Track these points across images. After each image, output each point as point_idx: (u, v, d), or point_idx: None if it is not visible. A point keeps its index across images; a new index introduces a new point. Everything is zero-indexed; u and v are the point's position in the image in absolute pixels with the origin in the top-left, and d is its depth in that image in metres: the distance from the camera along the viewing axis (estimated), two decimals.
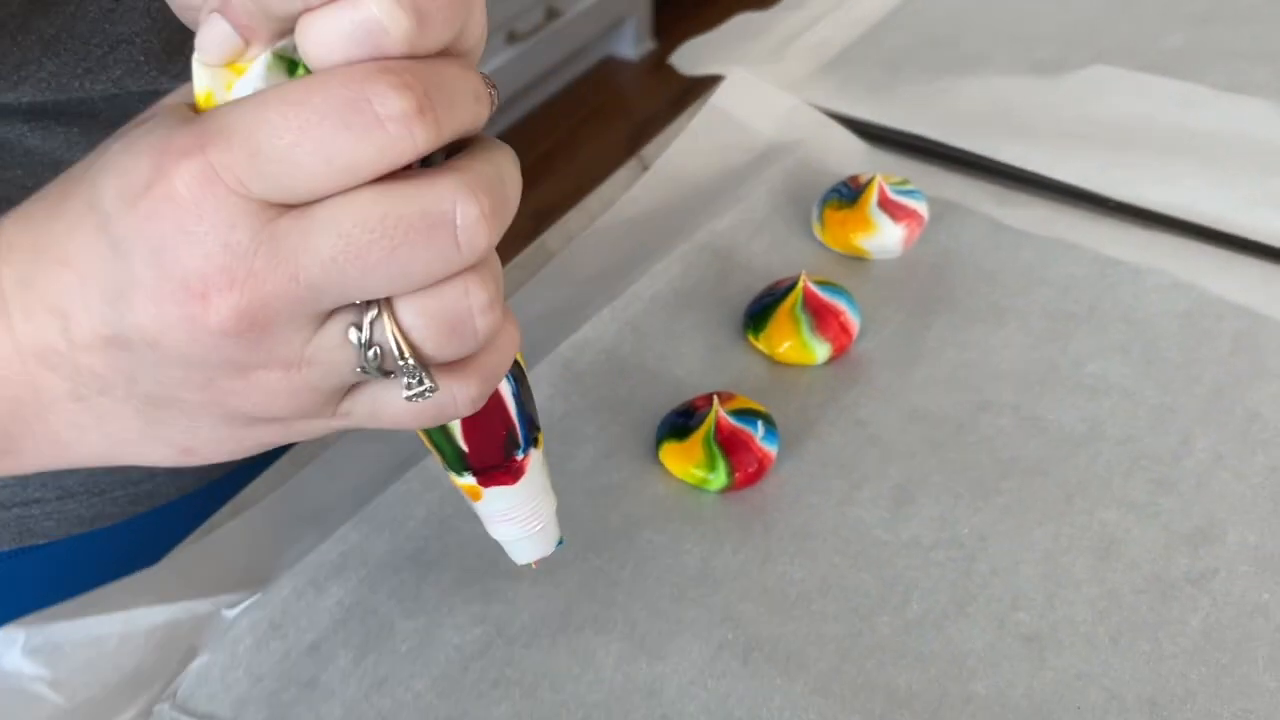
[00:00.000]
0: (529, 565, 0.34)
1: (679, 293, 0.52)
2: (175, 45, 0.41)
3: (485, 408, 0.29)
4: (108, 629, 0.37)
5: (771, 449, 0.44)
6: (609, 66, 2.30)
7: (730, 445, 0.43)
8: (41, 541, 0.45)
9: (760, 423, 0.44)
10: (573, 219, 0.58)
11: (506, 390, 0.30)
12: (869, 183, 0.54)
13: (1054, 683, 0.37)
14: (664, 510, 0.43)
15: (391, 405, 0.27)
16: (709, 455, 0.43)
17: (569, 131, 2.12)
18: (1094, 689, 0.37)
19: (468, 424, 0.30)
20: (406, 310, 0.25)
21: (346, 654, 0.38)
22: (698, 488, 0.44)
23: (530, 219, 0.58)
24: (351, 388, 0.27)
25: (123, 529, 0.48)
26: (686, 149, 0.60)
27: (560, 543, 0.34)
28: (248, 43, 0.24)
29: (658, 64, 2.34)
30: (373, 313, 0.24)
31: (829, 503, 0.43)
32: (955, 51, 0.67)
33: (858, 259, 0.54)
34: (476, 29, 0.25)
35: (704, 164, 0.59)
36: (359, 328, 0.25)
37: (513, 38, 1.94)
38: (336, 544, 0.41)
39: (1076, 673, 0.38)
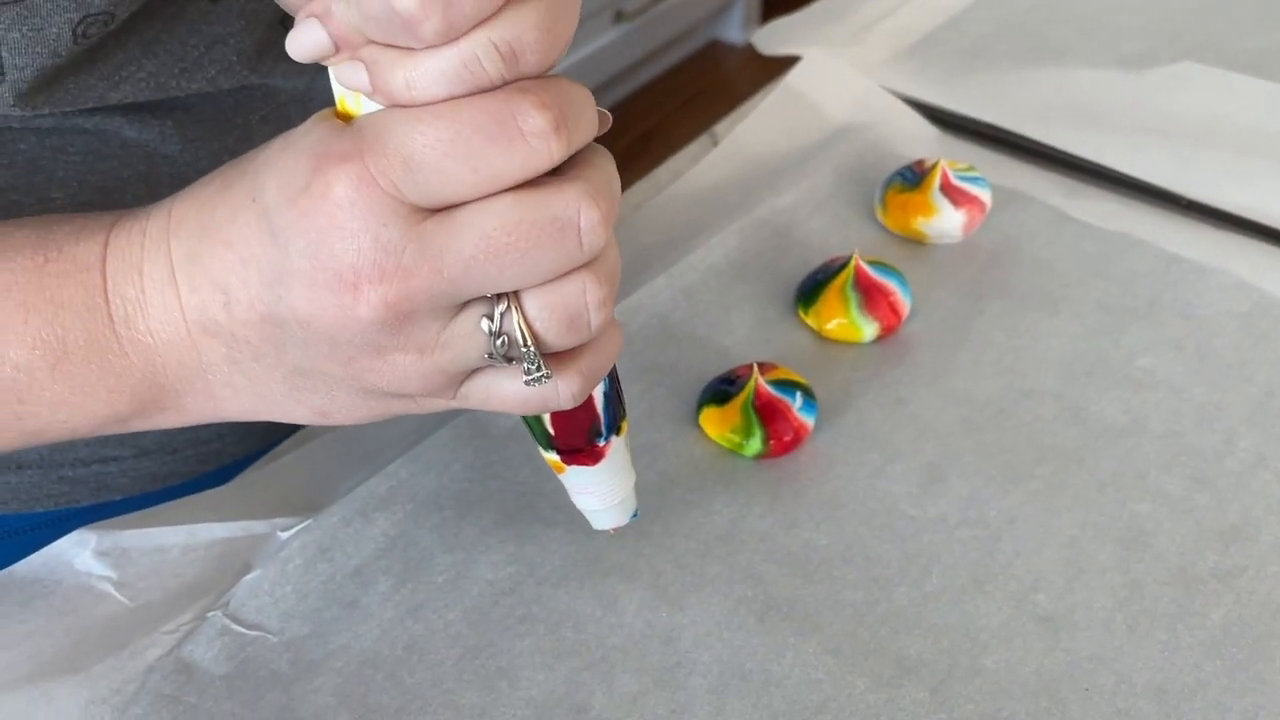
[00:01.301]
0: (606, 530, 0.37)
1: (734, 265, 0.53)
2: (265, 44, 0.43)
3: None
4: (171, 540, 0.41)
5: (809, 420, 0.45)
6: (715, 50, 2.30)
7: (767, 413, 0.45)
8: (117, 497, 0.48)
9: (799, 393, 0.45)
10: (640, 189, 0.60)
11: (598, 387, 0.33)
12: (933, 167, 0.54)
13: (1065, 663, 0.38)
14: (699, 471, 0.45)
15: (503, 391, 0.30)
16: (746, 421, 0.45)
17: (670, 113, 2.14)
18: (1105, 672, 0.38)
19: (556, 416, 0.33)
20: (532, 303, 0.28)
21: (387, 580, 0.40)
22: (733, 452, 0.45)
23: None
24: (471, 373, 0.30)
25: (190, 486, 0.51)
26: (757, 126, 0.61)
27: (635, 515, 0.37)
28: (338, 49, 0.26)
29: None
30: (503, 305, 0.28)
31: (860, 475, 0.44)
32: (1038, 42, 0.66)
33: (917, 242, 0.55)
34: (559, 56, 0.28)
35: (773, 141, 0.60)
36: (490, 318, 0.28)
37: (620, 17, 1.95)
38: (386, 479, 0.43)
39: (1089, 655, 0.38)
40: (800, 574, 0.41)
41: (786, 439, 0.45)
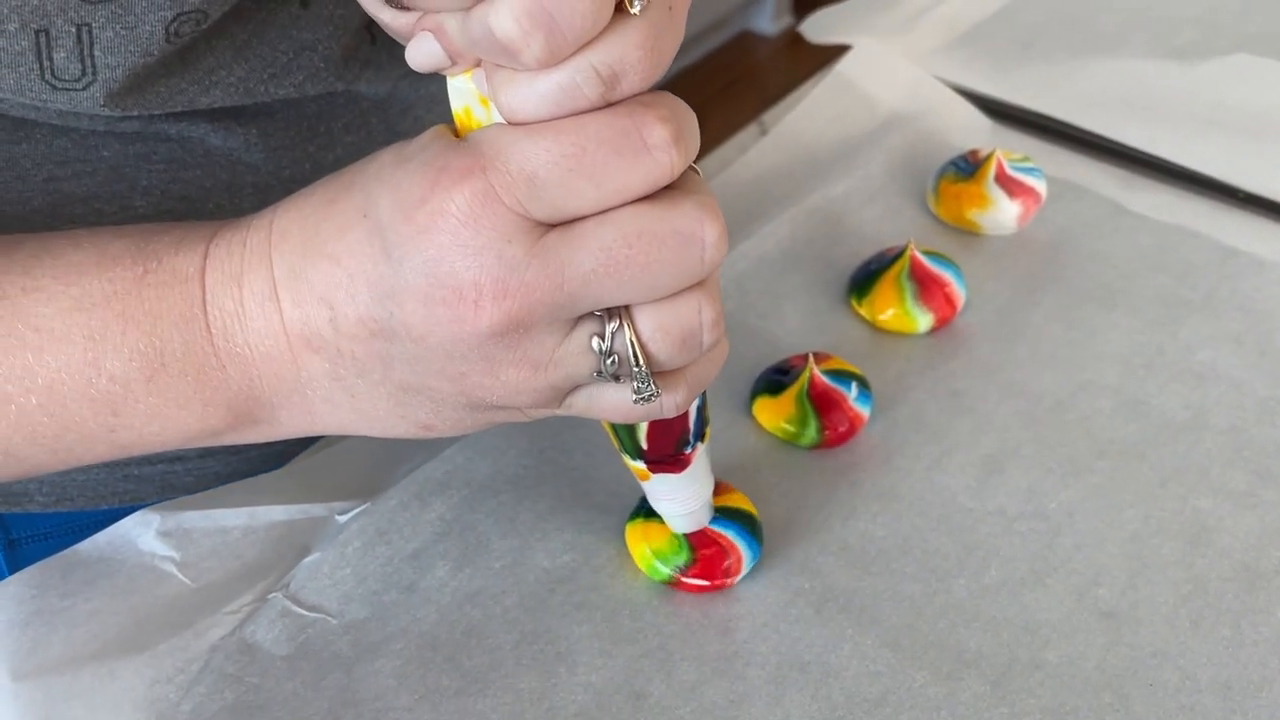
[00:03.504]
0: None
1: (786, 254, 0.53)
2: (351, 51, 0.43)
3: (673, 418, 0.32)
4: (233, 521, 0.41)
5: (864, 410, 0.45)
6: (746, 40, 2.30)
7: (822, 404, 0.44)
8: (182, 496, 0.48)
9: (854, 384, 0.45)
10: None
11: None
12: (988, 158, 0.53)
13: (1128, 658, 0.38)
14: (753, 462, 0.45)
15: (608, 402, 0.30)
16: (801, 412, 0.45)
17: (701, 103, 2.12)
18: (1169, 668, 0.37)
19: (653, 426, 0.33)
20: (645, 322, 0.28)
21: (445, 565, 0.40)
22: (788, 443, 0.45)
23: None
24: (583, 386, 0.30)
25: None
26: (807, 115, 0.60)
27: (714, 520, 0.38)
28: (454, 62, 0.26)
29: (795, 40, 2.32)
30: (615, 324, 0.28)
31: (917, 467, 0.44)
32: (1091, 32, 0.65)
33: (970, 233, 0.54)
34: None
35: (823, 131, 0.60)
36: (602, 337, 0.28)
37: None
38: (443, 464, 0.43)
39: (1152, 650, 0.38)
40: (857, 566, 0.41)
41: (842, 430, 0.45)
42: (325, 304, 0.28)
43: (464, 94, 0.28)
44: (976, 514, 0.42)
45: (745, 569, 0.40)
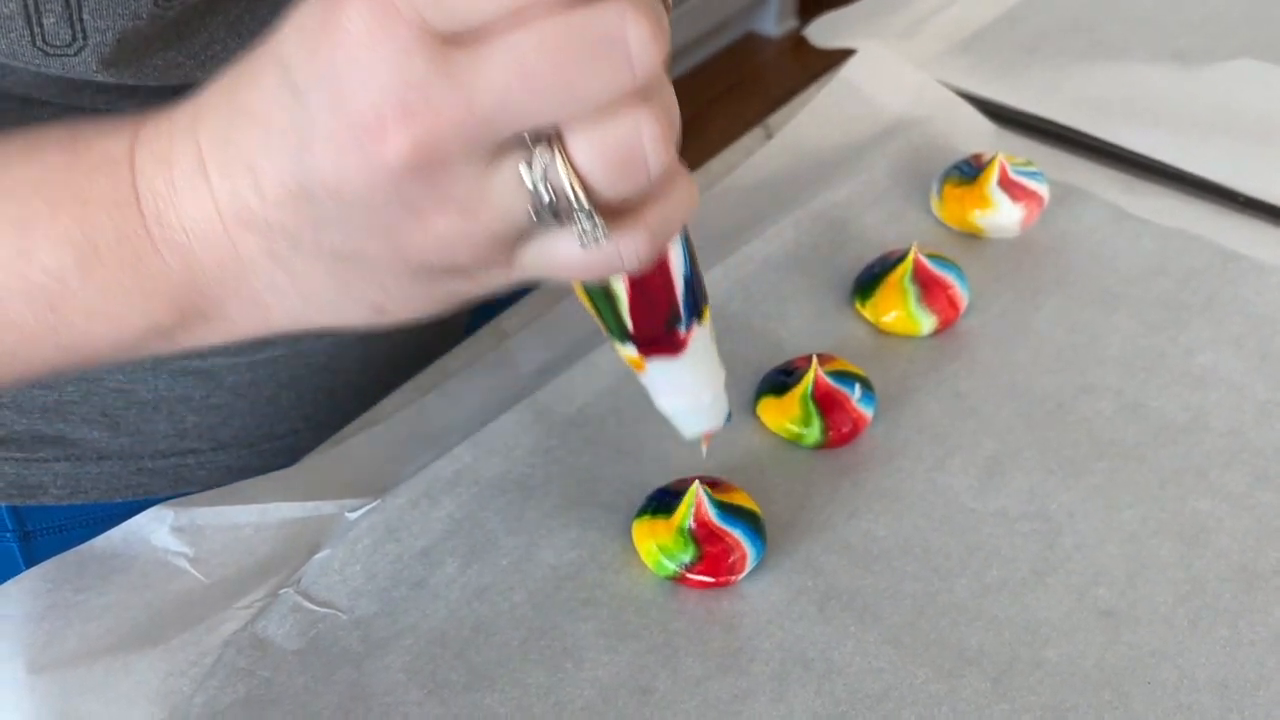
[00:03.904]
0: (699, 441, 0.34)
1: (791, 257, 0.53)
2: None
3: (651, 277, 0.29)
4: (244, 518, 0.42)
5: (867, 411, 0.46)
6: (750, 42, 2.30)
7: (826, 404, 0.45)
8: (194, 490, 0.48)
9: (858, 385, 0.46)
10: (694, 179, 0.60)
11: (675, 261, 0.30)
12: (991, 161, 0.54)
13: (1127, 657, 0.38)
14: (757, 462, 0.45)
15: (563, 255, 0.26)
16: (805, 412, 0.45)
17: (705, 105, 2.14)
18: (1167, 666, 0.38)
19: (634, 294, 0.30)
20: (578, 143, 0.24)
21: (453, 562, 0.41)
22: (792, 443, 0.46)
23: None
24: (526, 238, 0.26)
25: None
26: (812, 119, 0.61)
27: (729, 418, 0.34)
28: None
29: (799, 42, 2.33)
30: (542, 147, 0.24)
31: (920, 468, 0.44)
32: (1094, 37, 0.66)
33: (974, 237, 0.55)
34: None
35: (828, 135, 0.60)
36: (530, 165, 0.24)
37: None
38: (451, 462, 0.44)
39: (1151, 650, 0.38)
40: (860, 565, 0.41)
41: (845, 430, 0.45)
42: (248, 169, 0.26)
43: None
44: (978, 514, 0.43)
45: (749, 566, 0.40)
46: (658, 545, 0.41)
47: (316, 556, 0.41)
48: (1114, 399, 0.47)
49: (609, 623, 0.40)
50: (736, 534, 0.40)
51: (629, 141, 0.24)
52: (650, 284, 0.30)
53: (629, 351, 0.32)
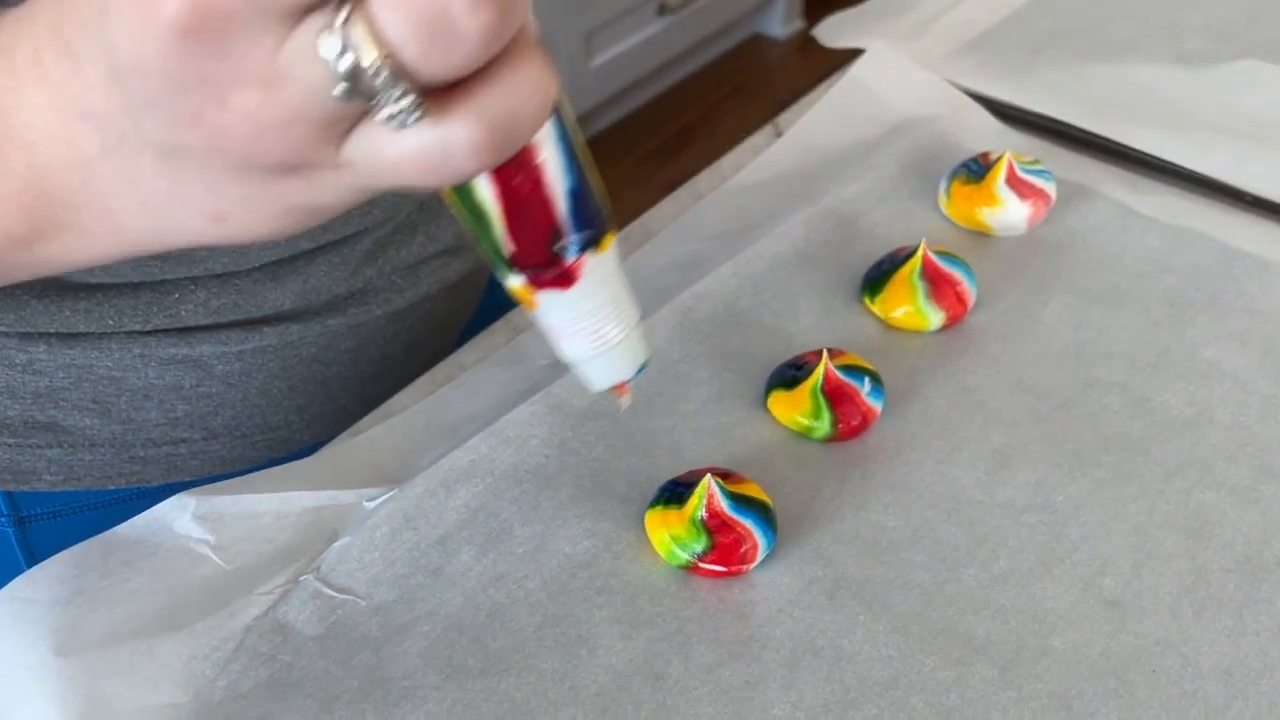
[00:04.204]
0: (610, 394, 0.30)
1: (800, 254, 0.54)
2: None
3: (526, 193, 0.26)
4: (264, 506, 0.42)
5: (876, 404, 0.46)
6: (757, 44, 2.31)
7: (836, 397, 0.46)
8: (187, 479, 0.49)
9: (867, 379, 0.46)
10: (704, 179, 0.61)
11: (551, 168, 0.26)
12: (998, 160, 0.55)
13: (1132, 646, 0.39)
14: (767, 454, 0.46)
15: (389, 150, 0.23)
16: (815, 405, 0.46)
17: (711, 106, 2.15)
18: (1171, 655, 0.38)
19: (506, 203, 0.26)
20: (380, 5, 0.21)
21: (470, 550, 0.42)
22: (802, 435, 0.46)
23: (665, 191, 0.61)
24: (348, 131, 0.24)
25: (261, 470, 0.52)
26: (821, 118, 0.62)
27: (643, 367, 0.31)
28: None
29: (805, 43, 2.33)
30: (344, 12, 0.21)
31: (928, 460, 0.45)
32: (1100, 38, 0.67)
33: (981, 234, 0.55)
34: None
35: (837, 133, 0.61)
36: (330, 29, 0.22)
37: (663, 10, 1.96)
38: (467, 453, 0.44)
39: (1155, 639, 0.39)
40: (869, 555, 0.42)
41: (855, 423, 0.46)
42: (69, 53, 0.25)
43: None
44: (985, 506, 0.43)
45: (760, 556, 0.41)
46: (670, 535, 0.41)
47: (335, 544, 0.41)
48: (1120, 394, 0.47)
49: (623, 610, 0.40)
50: (748, 524, 0.41)
51: (436, 2, 0.21)
52: (522, 194, 0.26)
53: (514, 282, 0.28)
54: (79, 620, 0.38)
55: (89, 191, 0.27)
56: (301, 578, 0.40)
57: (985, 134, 0.61)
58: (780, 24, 2.28)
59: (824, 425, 0.46)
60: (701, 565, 0.41)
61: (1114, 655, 0.38)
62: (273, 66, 0.22)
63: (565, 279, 0.28)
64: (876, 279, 0.52)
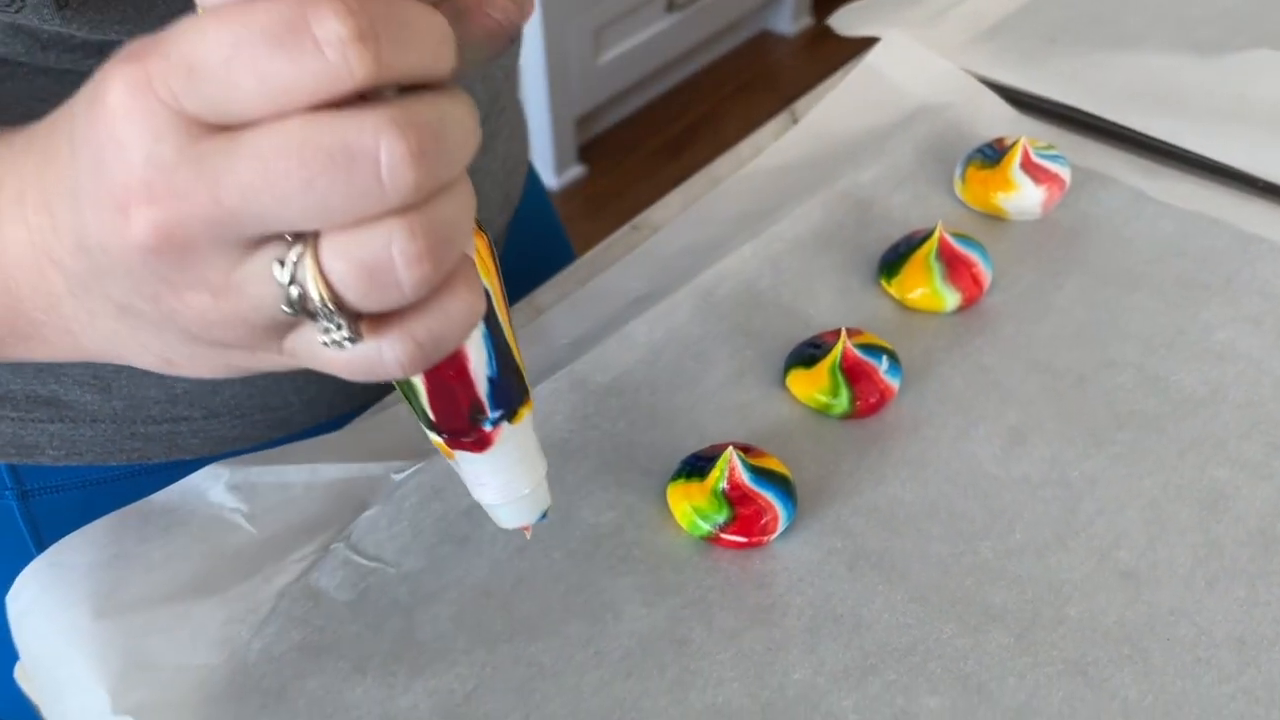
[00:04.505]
0: (520, 530, 0.34)
1: (818, 236, 0.55)
2: None
3: (448, 374, 0.29)
4: (295, 477, 0.43)
5: (894, 382, 0.47)
6: (765, 40, 2.32)
7: (854, 375, 0.46)
8: (189, 457, 0.49)
9: (885, 357, 0.47)
10: (722, 164, 0.61)
11: (477, 358, 0.29)
12: (1014, 144, 0.55)
13: (1146, 615, 0.39)
14: (786, 431, 0.47)
15: (323, 351, 0.26)
16: (834, 383, 0.47)
17: (719, 103, 2.15)
18: (1185, 624, 0.39)
19: (430, 388, 0.29)
20: (329, 251, 0.23)
21: None
22: (820, 413, 0.47)
23: (671, 187, 0.61)
24: (293, 326, 0.26)
25: (263, 449, 0.53)
26: (837, 105, 0.62)
27: (544, 515, 0.34)
28: None
29: (813, 40, 2.34)
30: (298, 249, 0.24)
31: (945, 436, 0.46)
32: (1114, 28, 0.67)
33: (996, 218, 0.56)
34: None
35: (853, 120, 0.61)
36: (283, 264, 0.24)
37: (672, 6, 1.97)
38: None
39: (1169, 608, 0.40)
40: (888, 528, 0.43)
41: (873, 400, 0.47)
42: (48, 210, 0.27)
43: None
44: (1002, 481, 0.44)
45: (781, 527, 0.42)
46: (692, 506, 0.42)
47: (365, 514, 0.42)
48: (1134, 373, 0.48)
49: (646, 578, 0.41)
50: (769, 496, 0.42)
51: (377, 256, 0.23)
52: (447, 382, 0.29)
53: (435, 438, 0.31)
54: (117, 584, 0.39)
55: (53, 317, 0.29)
56: (332, 546, 0.41)
57: (1000, 121, 0.61)
58: (789, 20, 2.28)
59: (842, 402, 0.46)
60: (723, 536, 0.42)
61: (1128, 624, 0.39)
62: (226, 281, 0.24)
63: (480, 444, 0.30)
64: (893, 261, 0.52)
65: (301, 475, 0.43)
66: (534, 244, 0.66)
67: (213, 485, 0.42)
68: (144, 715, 0.36)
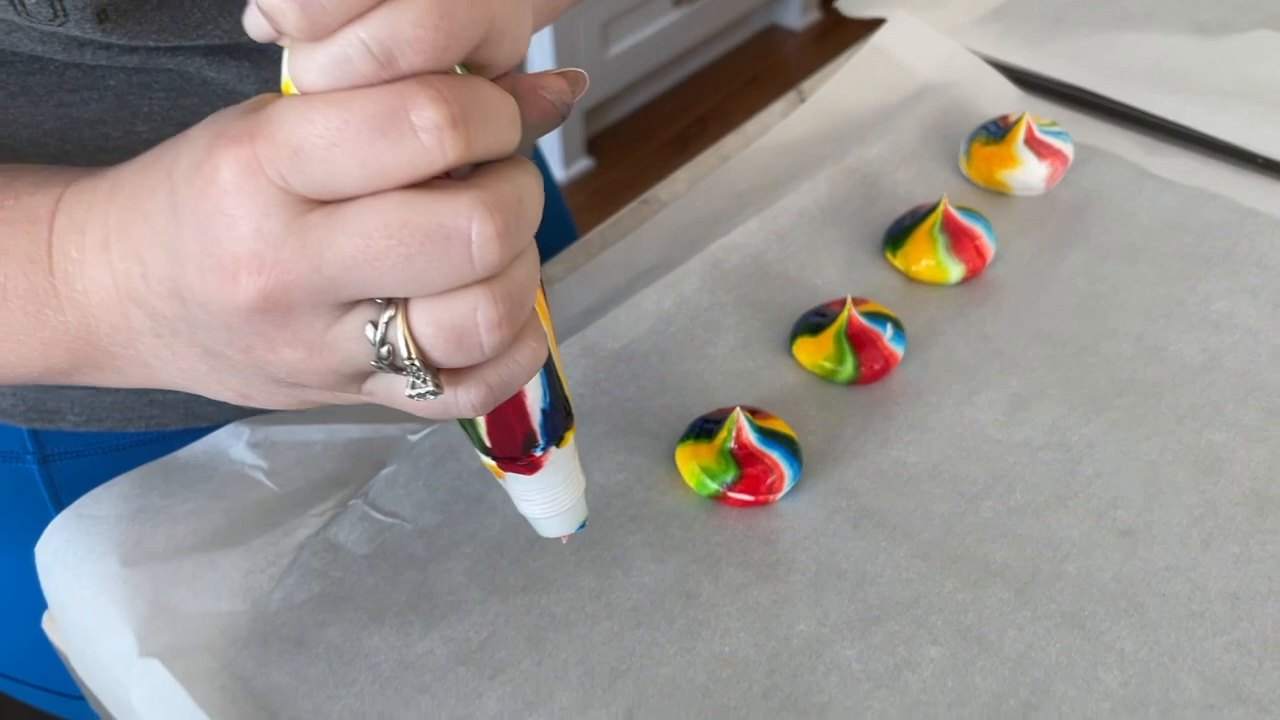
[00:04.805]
0: (559, 539, 0.37)
1: (825, 210, 0.56)
2: None
3: (507, 410, 0.31)
4: (315, 436, 0.44)
5: (898, 349, 0.48)
6: (773, 34, 2.32)
7: (859, 341, 0.48)
8: (206, 424, 0.50)
9: (889, 325, 0.48)
10: (730, 142, 0.62)
11: (534, 394, 0.32)
12: (1017, 121, 0.56)
13: (1142, 571, 0.40)
14: (793, 396, 0.48)
15: (403, 396, 0.28)
16: (839, 350, 0.48)
17: (727, 97, 2.16)
18: (1180, 580, 0.40)
19: (490, 420, 0.32)
20: (419, 315, 0.26)
21: None
22: (826, 379, 0.48)
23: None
24: (370, 375, 0.29)
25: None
26: (844, 84, 0.63)
27: (582, 525, 0.37)
28: (280, 33, 0.25)
29: (821, 34, 2.35)
30: (389, 313, 0.26)
31: (948, 402, 0.47)
32: (1118, 8, 0.68)
33: (1000, 194, 0.57)
34: (503, 53, 0.27)
35: (859, 98, 0.63)
36: (375, 325, 0.26)
37: (680, 0, 1.98)
38: None
39: (1165, 565, 0.41)
40: (891, 489, 0.44)
41: (877, 366, 0.48)
42: (139, 260, 0.29)
43: (286, 61, 0.26)
44: (1003, 444, 0.45)
45: (787, 487, 0.43)
46: (700, 466, 0.43)
47: (382, 472, 0.43)
48: (1134, 342, 0.49)
49: (655, 535, 0.42)
50: (775, 456, 0.43)
51: (464, 323, 0.26)
52: (505, 416, 0.32)
53: (488, 461, 0.34)
54: (143, 535, 0.40)
55: (131, 351, 0.31)
56: (351, 502, 0.43)
57: (1005, 100, 0.62)
58: (797, 15, 2.29)
59: (847, 369, 0.47)
60: (730, 495, 0.43)
61: (1125, 579, 0.40)
62: (321, 339, 0.27)
63: (531, 468, 0.34)
64: (898, 234, 0.53)
65: (320, 434, 0.44)
66: (542, 234, 0.67)
67: (234, 443, 0.43)
68: (169, 658, 0.37)
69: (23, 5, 0.34)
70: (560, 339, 0.50)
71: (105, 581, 0.39)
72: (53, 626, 0.42)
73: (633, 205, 0.59)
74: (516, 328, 0.27)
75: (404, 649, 0.38)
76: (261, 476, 0.43)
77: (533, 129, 0.29)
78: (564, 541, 0.37)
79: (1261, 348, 0.48)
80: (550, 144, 1.92)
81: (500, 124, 0.26)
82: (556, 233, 0.69)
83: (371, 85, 0.24)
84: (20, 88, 0.39)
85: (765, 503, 0.43)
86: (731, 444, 0.43)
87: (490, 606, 0.40)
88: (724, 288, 0.52)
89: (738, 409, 0.43)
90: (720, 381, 0.48)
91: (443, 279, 0.25)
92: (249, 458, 0.43)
